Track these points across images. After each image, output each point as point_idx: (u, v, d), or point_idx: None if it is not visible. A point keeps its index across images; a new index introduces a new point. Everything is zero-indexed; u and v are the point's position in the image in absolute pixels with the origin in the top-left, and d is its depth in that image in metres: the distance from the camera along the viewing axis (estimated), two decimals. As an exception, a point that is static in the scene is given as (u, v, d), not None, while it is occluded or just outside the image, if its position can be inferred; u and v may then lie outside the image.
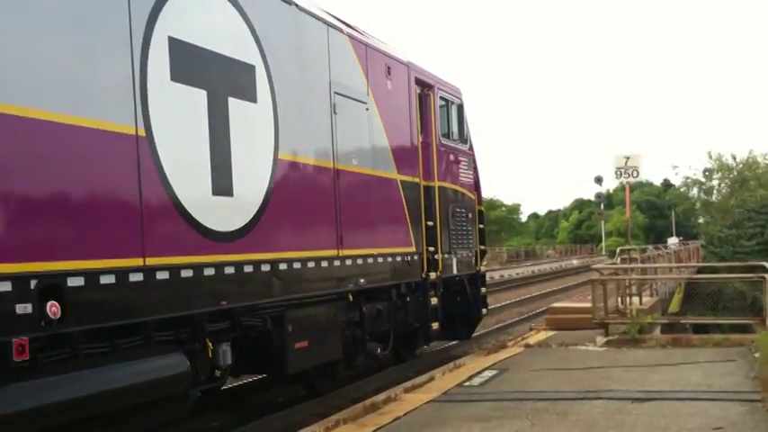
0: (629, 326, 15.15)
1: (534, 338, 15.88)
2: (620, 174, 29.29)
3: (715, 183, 67.77)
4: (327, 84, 10.41)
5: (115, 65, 6.99)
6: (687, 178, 70.58)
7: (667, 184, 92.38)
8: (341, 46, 10.82)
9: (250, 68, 8.82)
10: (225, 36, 8.44)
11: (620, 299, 17.09)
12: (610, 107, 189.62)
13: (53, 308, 6.05)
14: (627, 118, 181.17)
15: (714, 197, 67.10)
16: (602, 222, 77.22)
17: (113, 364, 6.88)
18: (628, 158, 29.47)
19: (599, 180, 59.38)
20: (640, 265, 21.75)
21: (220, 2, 8.41)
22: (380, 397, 10.28)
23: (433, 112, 13.57)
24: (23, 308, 5.86)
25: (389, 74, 12.11)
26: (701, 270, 28.02)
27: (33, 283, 5.96)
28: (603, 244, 72.23)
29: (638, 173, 29.57)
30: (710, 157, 66.80)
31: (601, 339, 14.82)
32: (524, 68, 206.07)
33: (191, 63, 7.84)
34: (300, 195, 9.66)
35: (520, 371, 11.98)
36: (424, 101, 13.42)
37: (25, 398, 6.03)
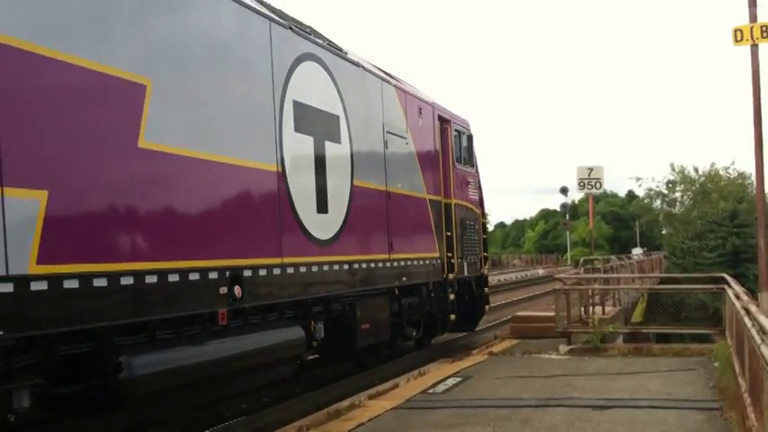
0: (591, 335, 15.32)
1: (498, 347, 15.98)
2: (584, 185, 29.60)
3: (678, 195, 68.61)
4: (381, 125, 13.23)
5: (267, 123, 9.82)
6: (650, 190, 71.35)
7: (632, 196, 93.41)
8: (389, 94, 13.70)
9: (336, 118, 11.65)
10: (322, 96, 11.30)
11: (583, 308, 17.26)
12: (577, 118, 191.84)
13: (238, 290, 8.80)
14: (594, 129, 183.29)
15: (677, 209, 67.91)
16: (568, 233, 77.82)
17: (265, 330, 9.70)
18: (591, 170, 29.78)
19: (564, 191, 59.95)
20: (603, 275, 21.95)
21: (320, 71, 11.28)
22: (344, 403, 10.30)
23: (450, 142, 16.33)
24: (223, 289, 8.60)
25: (420, 113, 15.04)
26: (663, 281, 28.35)
27: (228, 273, 8.67)
28: (569, 254, 72.80)
29: (600, 184, 29.87)
30: (673, 170, 67.65)
31: (564, 348, 14.95)
32: (491, 79, 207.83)
33: (304, 117, 10.65)
34: (366, 212, 12.39)
35: (483, 378, 12.05)
36: (443, 133, 16.15)
37: (227, 347, 8.85)
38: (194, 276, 8.16)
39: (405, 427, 8.95)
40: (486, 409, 9.70)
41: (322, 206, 10.92)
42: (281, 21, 10.49)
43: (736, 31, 21.83)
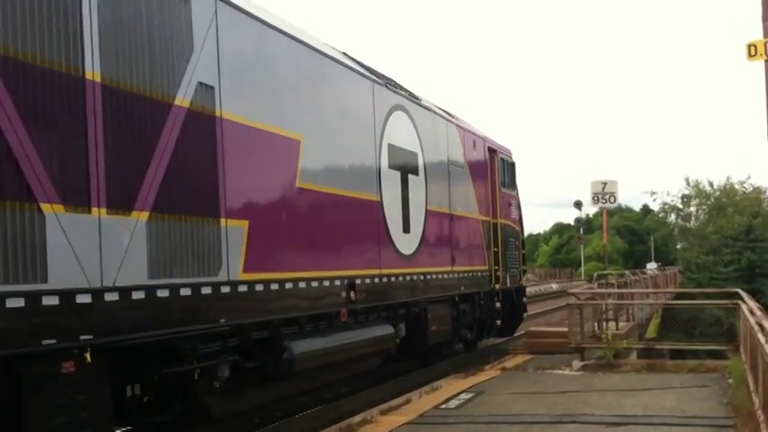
0: (604, 350, 15.25)
1: (511, 362, 15.96)
2: (598, 199, 29.52)
3: (693, 209, 68.25)
4: (446, 158, 15.68)
5: (371, 163, 12.29)
6: (665, 204, 71.03)
7: (646, 210, 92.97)
8: (452, 132, 16.18)
9: (415, 155, 14.11)
10: (406, 137, 13.71)
11: (596, 324, 17.20)
12: (591, 132, 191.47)
13: (353, 294, 11.18)
14: (608, 143, 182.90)
15: (692, 223, 67.53)
16: (582, 247, 77.54)
17: (368, 327, 12.09)
18: (605, 184, 29.72)
19: (578, 205, 59.78)
20: (617, 290, 21.86)
21: (405, 118, 13.76)
22: (356, 419, 10.30)
23: (496, 169, 18.56)
24: (343, 293, 10.97)
25: (474, 146, 17.35)
26: (678, 296, 28.19)
27: (346, 281, 11.08)
28: (582, 268, 72.46)
29: (615, 198, 29.78)
30: (688, 184, 67.33)
31: (577, 364, 14.90)
32: (503, 91, 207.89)
33: (395, 156, 13.11)
34: (435, 231, 14.78)
35: (496, 394, 12.03)
36: (491, 162, 18.37)
37: (346, 338, 11.25)
38: (326, 283, 10.60)
39: (417, 443, 8.95)
40: (498, 425, 9.69)
41: (406, 227, 13.44)
42: (379, 80, 13.01)
43: (749, 46, 21.81)
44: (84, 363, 6.54)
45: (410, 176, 13.67)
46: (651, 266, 57.29)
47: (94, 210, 6.66)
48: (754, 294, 22.97)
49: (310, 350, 10.08)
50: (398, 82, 14.33)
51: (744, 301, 14.27)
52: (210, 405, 8.87)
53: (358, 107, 12.09)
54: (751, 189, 64.02)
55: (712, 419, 9.71)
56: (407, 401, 11.51)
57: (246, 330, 9.01)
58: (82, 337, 6.45)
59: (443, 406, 11.13)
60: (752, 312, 11.60)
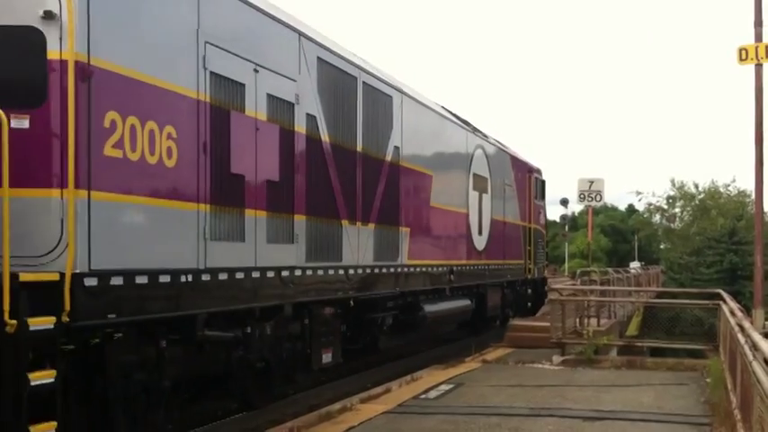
0: (585, 346, 15.33)
1: (492, 354, 16.01)
2: (584, 197, 29.63)
3: (677, 210, 68.58)
4: (503, 180, 20.48)
5: (463, 187, 17.23)
6: (650, 205, 71.37)
7: (632, 210, 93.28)
8: (506, 159, 21.30)
9: (486, 179, 18.85)
10: (482, 167, 18.52)
11: (578, 320, 17.28)
12: (579, 130, 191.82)
13: (452, 276, 15.98)
14: (595, 142, 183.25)
15: (676, 224, 67.88)
16: (566, 244, 77.74)
17: (459, 299, 16.96)
18: (592, 182, 29.80)
19: (564, 202, 59.85)
20: (599, 287, 21.97)
21: (482, 152, 18.58)
22: (336, 406, 10.31)
23: (531, 185, 23.50)
24: (447, 276, 15.79)
25: (519, 169, 22.42)
26: (660, 295, 28.36)
27: (448, 267, 15.86)
28: (566, 265, 72.70)
29: (601, 197, 29.87)
30: (673, 185, 67.63)
31: (557, 358, 14.98)
32: (490, 88, 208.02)
33: (475, 181, 17.90)
34: (495, 234, 19.42)
35: (476, 386, 12.08)
36: (528, 179, 23.32)
37: (449, 305, 16.19)
38: (441, 269, 15.62)
39: (395, 432, 8.97)
40: (477, 416, 9.72)
41: (480, 230, 18.24)
42: (467, 127, 18.02)
43: (741, 50, 21.89)
44: (348, 306, 11.86)
45: (483, 195, 18.52)
46: (634, 265, 57.53)
47: (359, 223, 11.87)
48: (736, 296, 23.08)
49: (433, 311, 15.14)
50: (476, 126, 19.14)
51: (725, 302, 14.36)
52: (380, 340, 14.20)
53: (458, 149, 17.19)
54: (736, 192, 64.44)
55: (689, 417, 9.78)
56: (387, 391, 11.53)
57: (404, 296, 14.11)
58: (350, 293, 11.71)
59: (423, 396, 11.16)
60: (732, 313, 11.68)
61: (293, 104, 9.91)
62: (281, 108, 9.63)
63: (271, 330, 9.78)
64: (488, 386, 12.03)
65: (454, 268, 16.20)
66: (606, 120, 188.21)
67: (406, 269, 13.57)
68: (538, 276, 24.05)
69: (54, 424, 6.20)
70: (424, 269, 14.52)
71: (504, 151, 21.12)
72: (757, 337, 7.34)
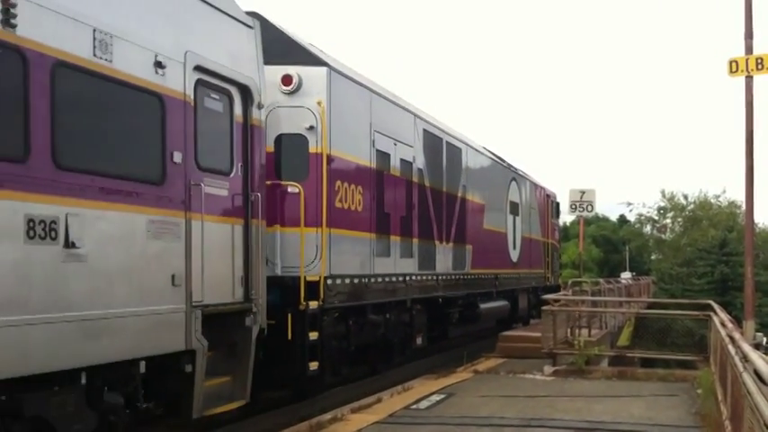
0: (576, 357, 15.33)
1: (483, 365, 16.00)
2: (575, 207, 29.71)
3: (668, 221, 68.85)
4: (529, 204, 25.01)
5: (503, 210, 21.97)
6: (641, 215, 71.64)
7: (623, 220, 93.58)
8: (532, 188, 25.83)
9: (518, 204, 23.24)
10: (515, 195, 23.04)
11: (569, 330, 17.29)
12: (570, 141, 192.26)
13: (497, 282, 20.73)
14: (587, 153, 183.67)
15: (667, 235, 68.12)
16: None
17: (501, 300, 21.07)
18: (583, 193, 29.88)
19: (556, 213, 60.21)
20: (591, 297, 21.99)
21: (514, 183, 23.05)
22: (327, 416, 10.28)
23: (549, 206, 28.46)
24: (495, 281, 20.63)
25: (540, 194, 27.09)
26: (651, 306, 28.42)
27: (495, 275, 20.64)
28: (558, 275, 73.00)
29: (592, 207, 29.96)
30: (663, 196, 67.89)
31: (548, 369, 14.97)
32: (482, 96, 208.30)
33: (511, 207, 22.55)
34: (524, 248, 23.81)
35: (467, 396, 12.06)
36: (546, 202, 28.02)
37: (495, 304, 20.54)
38: (490, 276, 19.91)
39: (386, 442, 8.95)
40: (468, 426, 9.71)
41: (514, 245, 22.64)
42: (504, 163, 22.70)
43: (731, 62, 22.00)
44: (431, 302, 15.90)
45: (516, 217, 23.05)
46: (625, 276, 57.68)
47: (444, 242, 16.42)
48: (726, 307, 23.20)
49: (486, 308, 19.20)
50: (510, 163, 23.89)
51: (716, 313, 14.41)
52: (449, 330, 18.11)
53: (499, 182, 21.66)
54: (726, 204, 64.69)
55: (680, 428, 9.79)
56: (378, 401, 11.51)
57: (468, 296, 18.23)
58: (439, 293, 16.25)
59: (414, 406, 11.14)
60: (723, 324, 11.71)
61: (411, 163, 14.76)
62: (405, 166, 14.40)
63: (396, 317, 14.08)
64: (480, 396, 12.01)
65: (498, 276, 20.84)
66: (597, 131, 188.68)
67: (469, 276, 18.26)
68: (554, 283, 28.85)
69: (317, 363, 10.80)
70: (480, 276, 19.15)
71: (529, 180, 25.82)
72: (748, 349, 7.35)
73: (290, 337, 10.49)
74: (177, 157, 7.83)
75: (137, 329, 7.18)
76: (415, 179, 14.81)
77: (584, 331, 18.25)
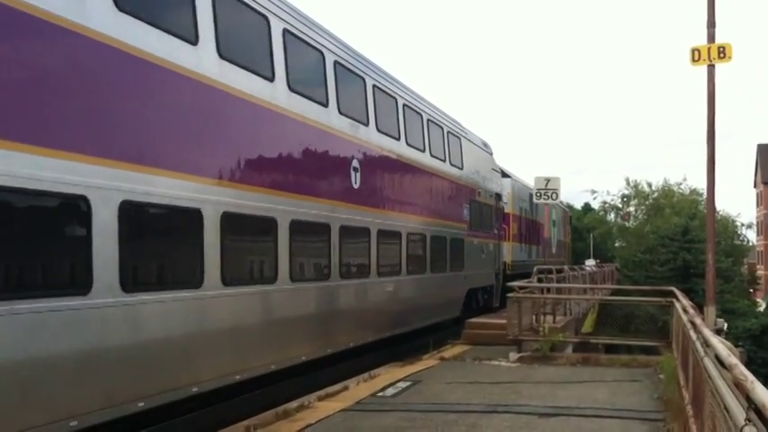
0: (541, 343, 15.45)
1: (450, 352, 16.06)
2: (540, 195, 29.95)
3: (632, 209, 69.60)
4: (560, 219, 45.93)
5: (549, 225, 41.72)
6: (605, 203, 72.35)
7: (587, 208, 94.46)
8: (561, 209, 47.34)
9: (555, 221, 42.92)
10: (554, 215, 42.18)
11: (534, 316, 17.41)
12: (536, 128, 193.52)
13: (507, 270, 29.56)
14: (553, 140, 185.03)
15: (630, 222, 68.89)
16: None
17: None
18: (548, 180, 30.09)
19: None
20: (555, 284, 22.15)
21: (550, 207, 38.71)
22: (293, 404, 10.27)
23: (567, 219, 51.52)
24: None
25: (564, 211, 49.39)
26: (614, 292, 28.71)
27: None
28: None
29: (557, 195, 30.18)
30: (628, 184, 68.60)
31: (514, 355, 15.07)
32: (450, 85, 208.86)
33: (551, 221, 41.46)
34: (558, 246, 45.46)
35: (433, 383, 12.11)
36: (565, 216, 49.76)
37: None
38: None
39: (353, 429, 8.96)
40: (433, 413, 9.75)
41: (555, 247, 42.32)
42: (521, 182, 35.38)
43: (693, 50, 22.15)
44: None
45: (553, 228, 38.51)
46: (589, 263, 58.31)
47: (509, 242, 30.60)
48: (688, 293, 23.46)
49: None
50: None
51: (678, 300, 14.58)
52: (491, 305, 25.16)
53: (544, 207, 36.18)
54: (688, 191, 65.51)
55: (643, 413, 9.91)
56: (345, 388, 11.52)
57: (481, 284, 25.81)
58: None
59: (380, 393, 11.16)
60: (685, 310, 11.86)
61: (501, 195, 26.93)
62: (496, 198, 26.25)
63: (490, 288, 24.88)
64: (446, 383, 12.06)
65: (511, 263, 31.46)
66: (563, 118, 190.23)
67: (510, 270, 28.13)
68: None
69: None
70: (518, 266, 29.42)
71: (560, 205, 36.80)
72: (708, 334, 7.43)
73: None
74: (495, 226, 25.73)
75: (486, 276, 24.06)
76: (507, 210, 29.25)
77: (549, 318, 18.40)
